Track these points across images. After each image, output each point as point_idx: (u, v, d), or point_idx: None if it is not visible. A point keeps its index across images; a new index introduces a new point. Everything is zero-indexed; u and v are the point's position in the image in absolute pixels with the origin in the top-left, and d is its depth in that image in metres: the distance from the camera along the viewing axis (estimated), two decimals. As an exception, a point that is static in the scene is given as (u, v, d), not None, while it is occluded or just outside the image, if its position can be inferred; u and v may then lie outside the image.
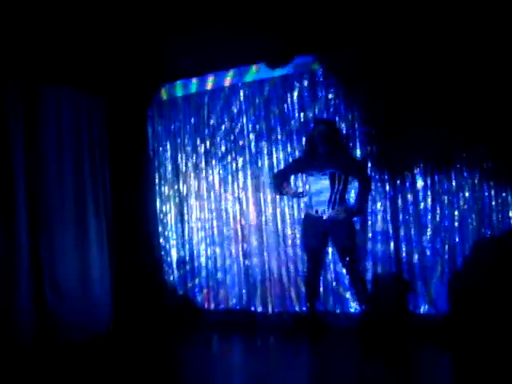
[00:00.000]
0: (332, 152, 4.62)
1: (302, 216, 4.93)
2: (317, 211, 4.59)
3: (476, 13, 4.30)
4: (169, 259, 5.93)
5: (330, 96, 5.18)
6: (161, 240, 5.95)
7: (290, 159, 5.25)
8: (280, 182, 4.78)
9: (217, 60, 5.37)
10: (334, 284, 5.08)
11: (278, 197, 5.36)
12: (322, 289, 5.03)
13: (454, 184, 4.69)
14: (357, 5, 4.29)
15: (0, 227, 4.49)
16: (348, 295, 5.02)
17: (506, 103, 4.37)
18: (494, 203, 4.51)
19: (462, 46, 4.53)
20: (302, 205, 5.17)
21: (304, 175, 4.97)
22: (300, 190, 5.00)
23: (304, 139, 5.02)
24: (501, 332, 4.03)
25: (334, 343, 4.61)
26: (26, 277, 4.61)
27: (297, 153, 5.27)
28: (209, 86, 5.74)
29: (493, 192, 4.52)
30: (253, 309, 5.45)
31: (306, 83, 5.29)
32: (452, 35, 4.55)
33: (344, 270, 4.75)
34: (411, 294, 4.79)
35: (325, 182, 4.56)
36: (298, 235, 5.26)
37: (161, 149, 6.03)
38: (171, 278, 5.88)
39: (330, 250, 4.98)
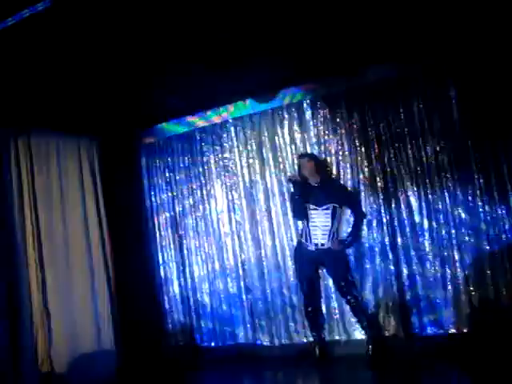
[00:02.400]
0: (324, 184, 4.71)
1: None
2: (316, 245, 4.63)
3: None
4: (172, 298, 5.93)
5: (319, 126, 5.26)
6: (162, 280, 5.97)
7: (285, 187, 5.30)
8: (300, 216, 4.81)
9: (205, 98, 5.47)
10: (338, 312, 5.05)
11: (275, 229, 5.41)
12: (326, 318, 5.01)
13: (447, 202, 4.73)
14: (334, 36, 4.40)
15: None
16: (353, 322, 4.99)
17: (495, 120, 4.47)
18: (489, 218, 4.56)
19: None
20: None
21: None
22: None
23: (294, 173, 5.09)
24: None
25: (343, 371, 4.58)
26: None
27: (291, 185, 5.30)
28: (200, 123, 5.84)
29: (487, 207, 4.57)
30: (259, 342, 5.42)
31: (294, 115, 5.39)
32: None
33: (343, 297, 4.76)
34: (415, 316, 4.78)
35: (326, 216, 4.63)
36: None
37: (156, 189, 6.08)
38: (175, 317, 5.87)
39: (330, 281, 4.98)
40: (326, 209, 4.64)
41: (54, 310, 4.92)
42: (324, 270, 4.88)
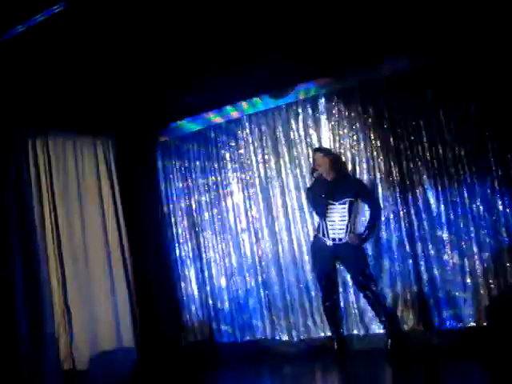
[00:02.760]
0: (339, 179, 4.69)
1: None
2: (334, 239, 4.63)
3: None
4: (190, 295, 5.97)
5: (333, 121, 5.25)
6: (180, 277, 6.01)
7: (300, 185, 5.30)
8: (322, 212, 4.80)
9: (220, 96, 5.48)
10: (356, 307, 5.03)
11: (291, 225, 5.40)
12: (344, 312, 5.01)
13: (465, 195, 4.69)
14: (349, 30, 4.38)
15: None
16: (371, 317, 4.98)
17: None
18: (508, 210, 4.51)
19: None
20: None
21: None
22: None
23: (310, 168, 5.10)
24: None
25: (363, 366, 4.58)
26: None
27: (306, 180, 5.32)
28: (215, 120, 5.86)
29: (506, 199, 4.53)
30: (278, 338, 5.43)
31: (309, 110, 5.38)
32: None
33: (361, 292, 4.75)
34: (434, 310, 4.76)
35: (343, 211, 4.63)
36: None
37: (172, 187, 6.12)
38: (193, 314, 5.91)
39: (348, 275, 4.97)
40: (343, 203, 4.64)
41: (75, 307, 4.99)
42: (341, 265, 4.88)
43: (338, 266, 4.90)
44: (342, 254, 4.66)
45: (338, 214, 4.66)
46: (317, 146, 5.26)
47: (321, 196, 4.72)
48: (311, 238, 5.17)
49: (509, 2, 4.05)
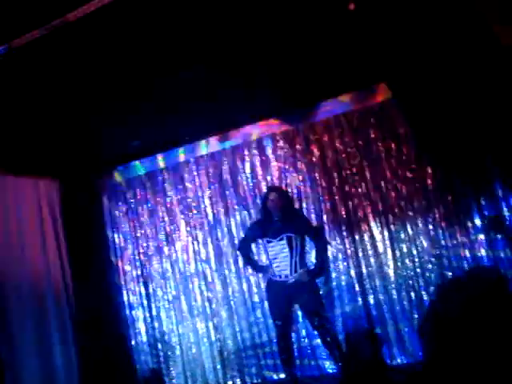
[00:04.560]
0: (286, 217, 4.71)
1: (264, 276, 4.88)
2: (280, 276, 4.61)
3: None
4: (138, 342, 5.79)
5: (280, 161, 5.34)
6: (128, 324, 5.83)
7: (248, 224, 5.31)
8: (244, 253, 4.84)
9: (166, 139, 5.49)
10: (309, 347, 5.04)
11: (241, 266, 5.38)
12: (296, 353, 4.98)
13: (409, 232, 4.83)
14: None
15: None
16: (323, 356, 4.97)
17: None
18: (450, 244, 4.67)
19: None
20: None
21: (263, 242, 4.91)
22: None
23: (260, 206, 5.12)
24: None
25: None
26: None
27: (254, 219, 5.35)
28: (162, 164, 5.85)
29: (447, 234, 4.69)
30: (230, 383, 5.33)
31: (255, 151, 5.46)
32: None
33: (316, 332, 4.74)
34: (385, 347, 4.80)
35: (283, 247, 4.61)
36: (266, 302, 5.23)
37: (120, 232, 6.01)
38: (142, 361, 5.73)
39: (299, 313, 4.96)
40: (280, 239, 4.62)
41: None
42: (296, 304, 4.84)
43: (293, 309, 4.84)
44: (296, 293, 4.61)
45: (277, 250, 4.64)
46: (264, 186, 5.31)
47: (261, 235, 4.73)
48: (261, 279, 5.16)
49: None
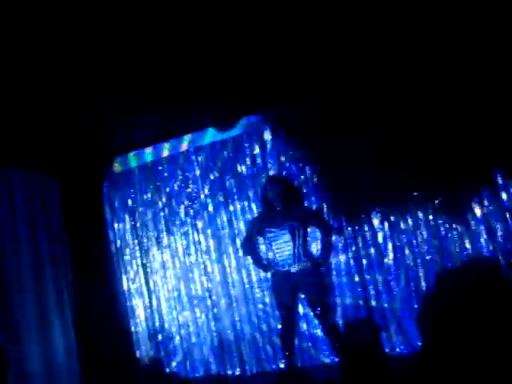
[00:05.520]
0: (288, 207, 4.69)
1: (268, 274, 4.89)
2: (283, 266, 4.60)
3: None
4: (138, 332, 5.81)
5: (280, 152, 5.32)
6: (128, 313, 5.84)
7: (249, 217, 5.30)
8: (248, 248, 4.83)
9: (166, 129, 5.47)
10: (309, 337, 5.05)
11: (241, 256, 5.38)
12: (297, 342, 4.99)
13: (410, 222, 4.83)
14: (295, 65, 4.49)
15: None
16: (324, 346, 4.99)
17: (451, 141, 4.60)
18: (450, 235, 4.67)
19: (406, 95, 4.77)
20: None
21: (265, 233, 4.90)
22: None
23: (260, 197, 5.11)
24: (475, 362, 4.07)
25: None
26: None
27: (254, 209, 5.35)
28: (162, 154, 5.83)
29: (447, 225, 4.68)
30: (230, 372, 5.35)
31: (255, 142, 5.44)
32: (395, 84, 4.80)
33: (316, 321, 4.75)
34: (385, 336, 4.81)
35: (285, 237, 4.60)
36: (266, 292, 5.25)
37: (120, 222, 6.02)
38: (143, 351, 5.74)
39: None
40: (282, 229, 4.61)
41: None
42: (302, 294, 4.83)
43: (299, 296, 4.82)
44: (300, 282, 4.60)
45: (280, 240, 4.63)
46: (263, 176, 5.30)
47: (263, 226, 4.72)
48: (260, 270, 5.17)
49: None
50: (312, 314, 4.71)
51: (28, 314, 4.95)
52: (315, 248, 4.81)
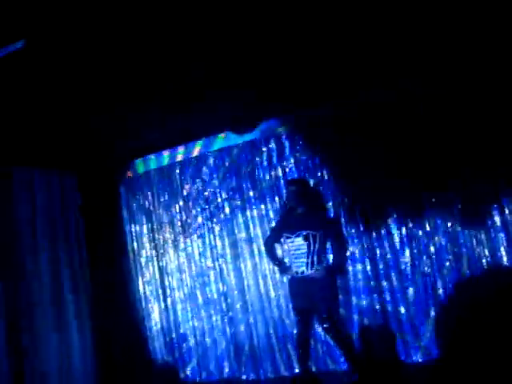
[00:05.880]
0: (307, 212, 4.66)
1: (284, 277, 4.87)
2: (297, 272, 4.58)
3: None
4: (154, 334, 5.82)
5: (297, 156, 5.30)
6: (144, 315, 5.87)
7: (272, 221, 5.28)
8: (270, 249, 4.80)
9: (184, 132, 5.49)
10: (325, 342, 5.01)
11: (257, 260, 5.37)
12: (312, 347, 4.95)
13: (428, 229, 4.78)
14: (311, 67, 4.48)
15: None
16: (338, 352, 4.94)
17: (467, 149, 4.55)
18: (468, 244, 4.61)
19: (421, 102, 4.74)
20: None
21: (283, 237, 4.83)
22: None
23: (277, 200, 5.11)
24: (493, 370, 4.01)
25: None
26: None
27: (270, 213, 5.33)
28: (179, 157, 5.85)
29: (466, 232, 4.62)
30: (244, 377, 5.34)
31: (273, 146, 5.43)
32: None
33: (322, 332, 4.69)
34: (401, 344, 4.76)
35: (300, 244, 4.57)
36: (282, 297, 5.23)
37: (137, 224, 6.05)
38: (158, 353, 5.76)
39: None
40: (297, 236, 4.58)
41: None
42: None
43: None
44: (312, 289, 4.57)
45: (295, 246, 4.60)
46: (282, 181, 5.28)
47: (282, 230, 4.70)
48: (277, 274, 5.15)
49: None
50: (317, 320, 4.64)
51: (46, 314, 5.00)
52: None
